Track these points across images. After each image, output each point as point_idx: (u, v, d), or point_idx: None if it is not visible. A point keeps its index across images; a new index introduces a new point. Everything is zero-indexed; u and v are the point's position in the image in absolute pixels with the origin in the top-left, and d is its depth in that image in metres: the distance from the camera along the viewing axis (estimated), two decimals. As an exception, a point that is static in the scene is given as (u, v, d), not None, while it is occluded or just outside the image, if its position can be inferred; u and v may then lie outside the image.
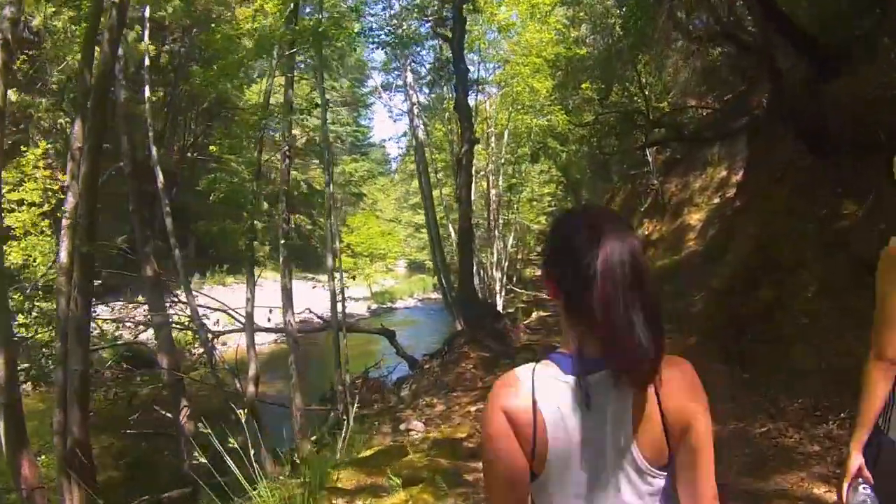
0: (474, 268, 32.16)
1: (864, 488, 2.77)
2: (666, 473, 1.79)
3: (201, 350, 15.44)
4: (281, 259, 11.83)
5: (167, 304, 14.36)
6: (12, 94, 24.18)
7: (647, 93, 19.61)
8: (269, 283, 41.96)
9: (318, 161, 49.35)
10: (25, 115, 27.03)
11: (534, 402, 1.72)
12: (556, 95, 24.20)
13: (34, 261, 18.99)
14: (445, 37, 19.47)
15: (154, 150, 14.05)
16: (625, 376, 1.68)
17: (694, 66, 22.58)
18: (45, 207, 19.04)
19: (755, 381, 9.25)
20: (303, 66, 23.78)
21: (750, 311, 10.39)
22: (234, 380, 11.39)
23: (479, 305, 19.32)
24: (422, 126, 22.38)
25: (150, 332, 15.13)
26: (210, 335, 13.52)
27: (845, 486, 2.81)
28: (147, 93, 14.45)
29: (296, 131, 48.32)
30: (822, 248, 9.33)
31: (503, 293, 29.19)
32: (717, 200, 23.33)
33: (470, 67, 27.95)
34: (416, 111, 21.26)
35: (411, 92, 21.33)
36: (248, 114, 14.01)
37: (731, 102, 19.85)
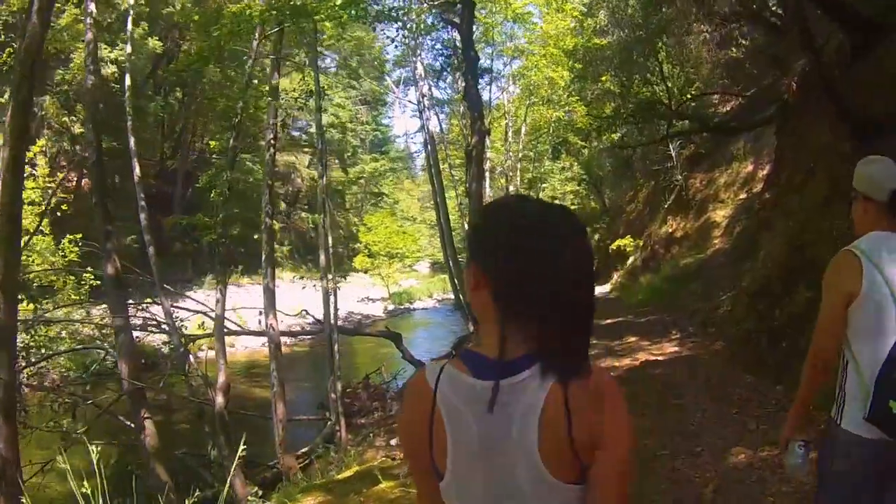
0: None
1: (798, 447, 3.20)
2: (581, 490, 1.62)
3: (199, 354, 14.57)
4: (263, 257, 10.68)
5: (142, 307, 13.38)
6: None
7: (669, 84, 18.63)
8: (284, 285, 41.53)
9: (337, 160, 48.60)
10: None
11: (434, 405, 1.67)
12: (574, 87, 23.20)
13: (32, 261, 18.40)
14: (454, 23, 18.27)
15: (132, 141, 12.94)
16: (550, 373, 1.58)
17: (717, 60, 21.32)
18: (43, 206, 18.42)
19: (792, 397, 7.96)
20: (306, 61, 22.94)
21: (784, 315, 9.26)
22: (208, 389, 10.23)
23: None
24: (434, 119, 21.24)
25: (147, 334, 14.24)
26: (182, 339, 12.41)
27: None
28: (128, 81, 13.27)
29: (304, 124, 48.28)
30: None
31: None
32: (743, 196, 22.47)
33: (484, 59, 27.28)
34: (426, 103, 19.98)
35: (421, 83, 20.07)
36: (229, 98, 12.88)
37: (758, 94, 18.51)
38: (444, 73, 21.72)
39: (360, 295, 41.66)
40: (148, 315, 13.52)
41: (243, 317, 19.04)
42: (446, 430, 1.64)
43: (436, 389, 1.67)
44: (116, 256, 9.03)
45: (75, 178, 32.97)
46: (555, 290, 1.58)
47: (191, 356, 12.19)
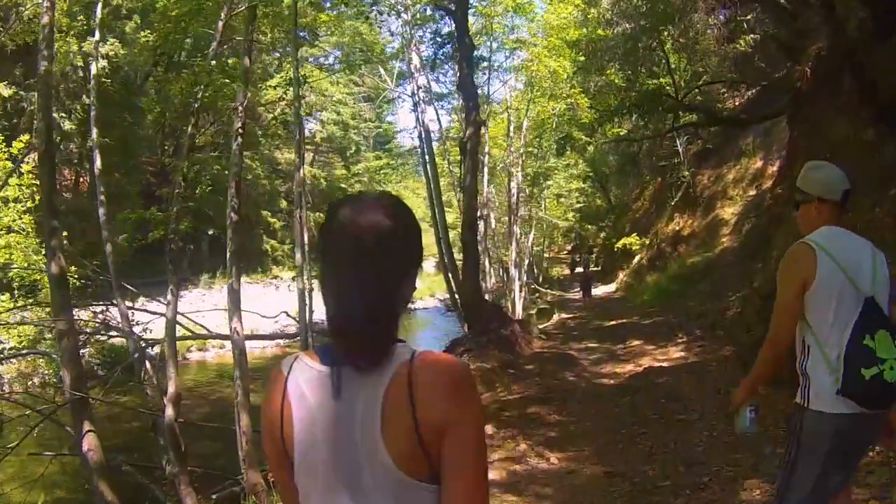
0: (488, 266, 30.47)
1: (749, 412, 3.52)
2: (431, 492, 1.54)
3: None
4: (228, 255, 9.64)
5: (103, 308, 12.43)
6: (4, 89, 22.73)
7: (675, 77, 17.69)
8: (283, 283, 40.63)
9: (339, 157, 47.73)
10: (18, 108, 25.83)
11: (284, 394, 1.60)
12: (577, 79, 22.36)
13: (13, 259, 17.68)
14: (448, 9, 17.23)
15: (94, 133, 12.01)
16: (396, 356, 1.55)
17: (725, 53, 20.44)
18: (29, 203, 17.65)
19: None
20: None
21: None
22: (162, 398, 9.20)
23: (485, 308, 16.89)
24: (432, 113, 20.22)
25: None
26: (143, 343, 11.40)
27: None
28: (94, 69, 12.33)
29: (313, 125, 47.38)
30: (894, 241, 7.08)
31: (524, 294, 26.89)
32: (752, 192, 21.87)
33: (484, 51, 26.38)
34: (421, 96, 18.92)
35: (417, 75, 19.01)
36: (185, 80, 11.87)
37: (775, 82, 17.60)
38: (443, 65, 20.74)
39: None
40: (111, 317, 12.54)
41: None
42: (293, 418, 1.58)
43: (287, 377, 1.62)
44: (62, 254, 8.04)
45: (72, 177, 32.06)
46: (333, 275, 1.59)
47: (147, 363, 11.14)
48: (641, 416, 8.56)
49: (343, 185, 51.48)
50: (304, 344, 10.43)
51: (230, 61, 12.32)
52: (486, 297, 27.43)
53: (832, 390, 3.08)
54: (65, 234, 19.09)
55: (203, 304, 25.92)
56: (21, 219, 17.60)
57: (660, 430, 7.84)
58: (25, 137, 19.01)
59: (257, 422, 9.26)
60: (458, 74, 18.01)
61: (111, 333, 12.98)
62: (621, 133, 25.94)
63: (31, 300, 17.60)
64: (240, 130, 9.68)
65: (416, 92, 18.78)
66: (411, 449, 1.50)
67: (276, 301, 33.26)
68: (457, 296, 17.56)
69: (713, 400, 8.75)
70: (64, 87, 26.65)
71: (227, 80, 10.99)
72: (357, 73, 43.24)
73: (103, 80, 22.27)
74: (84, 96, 26.66)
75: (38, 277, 17.63)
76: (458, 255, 18.61)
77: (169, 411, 8.80)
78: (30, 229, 18.15)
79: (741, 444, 6.53)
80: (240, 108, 9.73)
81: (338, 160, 48.11)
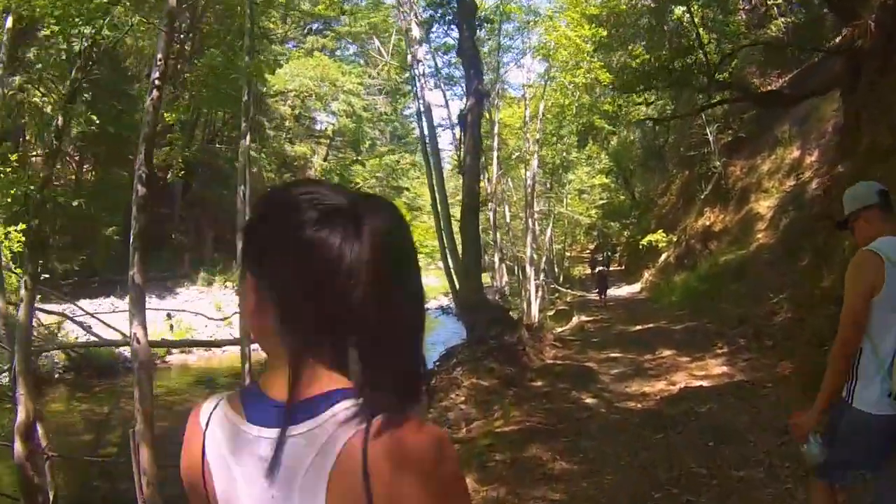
0: (498, 263, 28.04)
1: (818, 439, 3.31)
2: None
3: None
4: (131, 237, 7.15)
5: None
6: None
7: (706, 51, 15.37)
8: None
9: (353, 151, 45.72)
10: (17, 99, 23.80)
11: (203, 453, 1.23)
12: (598, 55, 20.22)
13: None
14: (446, -39, 14.68)
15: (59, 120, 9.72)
16: (351, 420, 1.10)
17: (756, 39, 19.51)
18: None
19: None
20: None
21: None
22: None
23: (487, 310, 14.05)
24: (430, 85, 17.66)
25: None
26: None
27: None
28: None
29: (324, 116, 45.25)
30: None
31: (540, 294, 24.34)
32: (790, 184, 19.86)
33: (501, 37, 24.10)
34: (421, 70, 16.33)
35: (415, 46, 16.41)
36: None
37: (832, 49, 15.61)
38: (436, 25, 18.09)
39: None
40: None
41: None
42: (216, 489, 1.21)
43: (206, 433, 1.23)
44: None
45: (74, 164, 29.90)
46: (346, 298, 1.12)
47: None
48: (682, 468, 5.94)
49: (358, 180, 49.34)
50: (242, 356, 7.90)
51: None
52: (497, 298, 25.12)
53: (881, 392, 3.13)
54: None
55: (199, 303, 23.76)
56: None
57: (712, 499, 5.22)
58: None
59: (163, 458, 6.92)
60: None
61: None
62: (645, 120, 23.88)
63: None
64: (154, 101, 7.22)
65: (414, 65, 16.19)
66: None
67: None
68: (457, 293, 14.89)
69: (778, 440, 6.18)
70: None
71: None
72: (373, 65, 41.15)
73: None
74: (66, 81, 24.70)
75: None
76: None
77: (17, 446, 6.37)
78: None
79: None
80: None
81: (353, 154, 45.97)
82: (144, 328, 6.85)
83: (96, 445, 11.48)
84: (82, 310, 13.54)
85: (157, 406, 15.36)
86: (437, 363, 11.92)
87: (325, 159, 45.13)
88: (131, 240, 7.07)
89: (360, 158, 46.12)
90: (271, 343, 1.20)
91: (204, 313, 11.63)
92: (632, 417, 8.29)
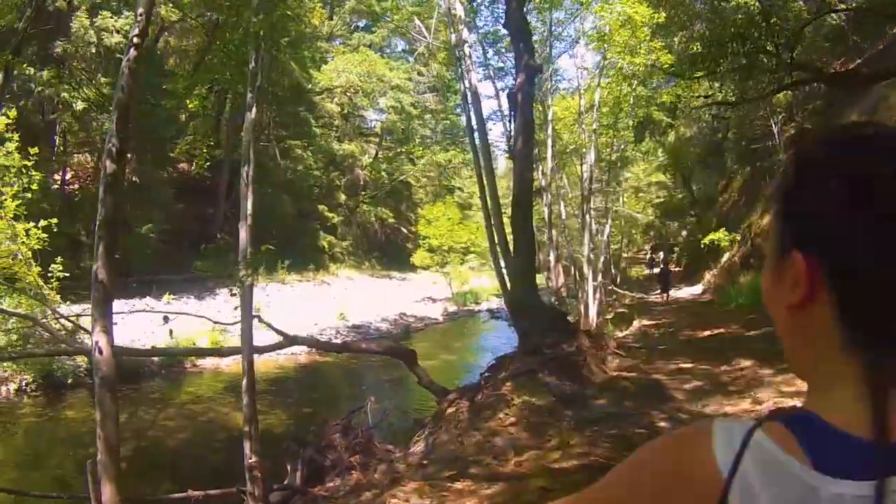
0: (553, 262, 26.42)
1: None
2: None
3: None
4: (96, 224, 5.77)
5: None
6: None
7: (775, 30, 13.73)
8: (339, 282, 37.15)
9: (401, 150, 44.75)
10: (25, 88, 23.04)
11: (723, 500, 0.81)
12: (658, 39, 18.80)
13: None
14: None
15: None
16: None
17: (818, 25, 18.28)
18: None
19: None
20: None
21: None
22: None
23: (542, 314, 12.23)
24: (476, 68, 16.13)
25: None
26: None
27: None
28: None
29: (372, 114, 44.19)
30: None
31: (598, 296, 22.62)
32: None
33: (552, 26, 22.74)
34: (466, 51, 14.71)
35: (461, 27, 14.79)
36: None
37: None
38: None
39: (423, 294, 36.78)
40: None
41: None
42: None
43: (732, 474, 0.80)
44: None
45: (93, 161, 29.02)
46: None
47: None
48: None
49: (410, 180, 48.19)
50: (243, 366, 6.40)
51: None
52: (552, 300, 23.52)
53: None
54: (54, 220, 16.41)
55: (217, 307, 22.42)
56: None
57: None
58: (12, 113, 16.14)
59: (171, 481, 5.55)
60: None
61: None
62: (710, 105, 22.32)
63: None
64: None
65: (458, 43, 14.63)
66: None
67: (327, 303, 30.06)
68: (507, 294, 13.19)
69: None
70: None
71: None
72: (424, 63, 40.04)
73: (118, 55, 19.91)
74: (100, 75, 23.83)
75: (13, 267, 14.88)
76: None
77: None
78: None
79: None
80: None
81: (402, 153, 44.86)
82: (109, 335, 5.43)
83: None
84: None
85: (178, 416, 14.19)
86: (485, 375, 10.27)
87: (374, 158, 44.12)
88: (96, 228, 5.66)
89: (410, 157, 45.06)
90: (825, 348, 0.85)
91: (208, 317, 10.38)
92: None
